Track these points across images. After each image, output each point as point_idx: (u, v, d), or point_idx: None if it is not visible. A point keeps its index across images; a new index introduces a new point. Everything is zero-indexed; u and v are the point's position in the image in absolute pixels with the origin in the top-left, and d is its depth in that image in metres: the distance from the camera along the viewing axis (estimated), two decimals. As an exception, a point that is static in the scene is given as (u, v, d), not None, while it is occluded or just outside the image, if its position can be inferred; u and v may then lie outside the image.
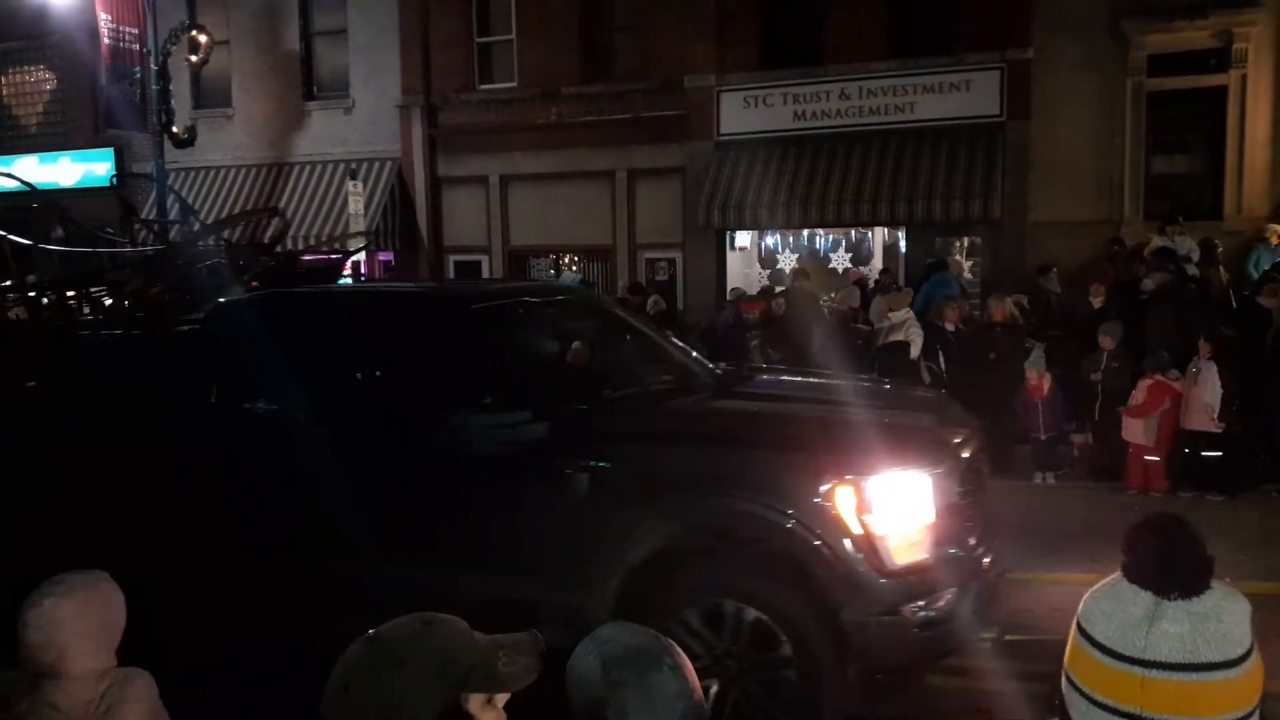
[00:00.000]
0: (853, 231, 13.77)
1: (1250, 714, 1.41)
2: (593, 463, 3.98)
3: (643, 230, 14.64)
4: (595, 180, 14.69)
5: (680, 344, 5.56)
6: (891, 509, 3.69)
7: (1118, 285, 9.35)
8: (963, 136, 12.39)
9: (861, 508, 3.64)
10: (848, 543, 3.65)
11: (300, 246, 12.87)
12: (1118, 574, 1.50)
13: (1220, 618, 1.41)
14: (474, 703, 1.42)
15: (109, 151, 16.90)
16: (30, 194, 8.57)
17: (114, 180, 14.25)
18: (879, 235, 13.75)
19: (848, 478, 3.67)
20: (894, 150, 12.58)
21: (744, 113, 13.58)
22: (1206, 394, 7.64)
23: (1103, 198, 12.12)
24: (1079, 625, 1.46)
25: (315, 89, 16.42)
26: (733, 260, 14.10)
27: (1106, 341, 8.34)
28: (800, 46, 13.22)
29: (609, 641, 1.65)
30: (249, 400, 4.61)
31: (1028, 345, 8.62)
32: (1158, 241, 10.10)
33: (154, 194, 14.40)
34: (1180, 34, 11.79)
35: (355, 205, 13.99)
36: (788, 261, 13.85)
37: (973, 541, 3.98)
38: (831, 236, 13.95)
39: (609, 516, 3.89)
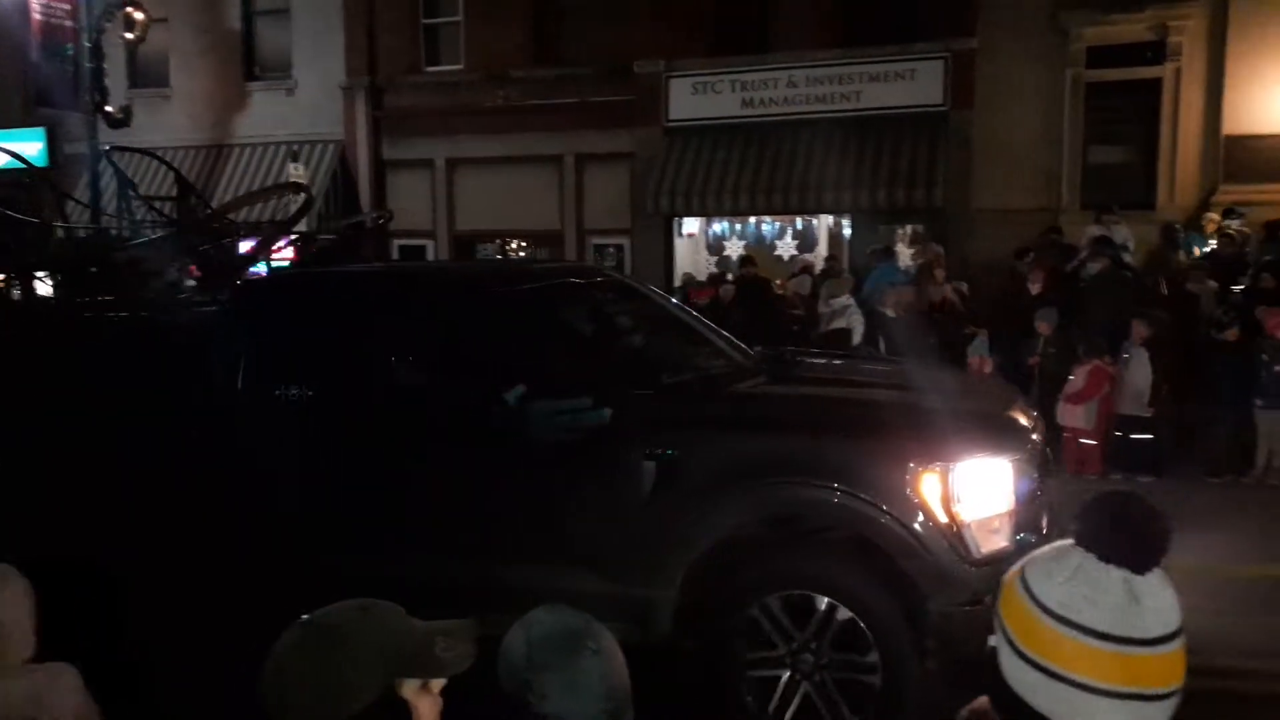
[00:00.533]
0: (800, 219, 13.86)
1: (1178, 691, 1.44)
2: (660, 450, 3.81)
3: (591, 216, 14.59)
4: (543, 165, 14.59)
5: (714, 327, 5.38)
6: (977, 496, 3.64)
7: (1056, 272, 9.53)
8: (908, 125, 12.52)
9: (948, 495, 3.58)
10: (935, 531, 3.57)
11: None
12: (1075, 558, 1.50)
13: (1154, 595, 1.44)
14: (409, 688, 1.42)
15: (40, 131, 16.35)
16: (24, 170, 8.11)
17: (46, 162, 13.80)
18: (825, 223, 13.86)
19: (935, 465, 3.59)
20: (840, 138, 12.66)
21: (693, 99, 13.58)
22: (1137, 379, 7.84)
23: (1042, 186, 12.35)
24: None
25: (257, 69, 16.08)
26: (681, 247, 14.12)
27: (1044, 327, 8.50)
28: (749, 34, 13.25)
29: (537, 624, 1.65)
30: (281, 387, 4.29)
31: (968, 331, 8.76)
32: (1094, 230, 10.32)
33: (90, 174, 14.00)
34: (1118, 27, 12.03)
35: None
36: (735, 248, 13.90)
37: (1044, 528, 3.93)
38: (779, 224, 14.02)
39: (679, 506, 3.76)
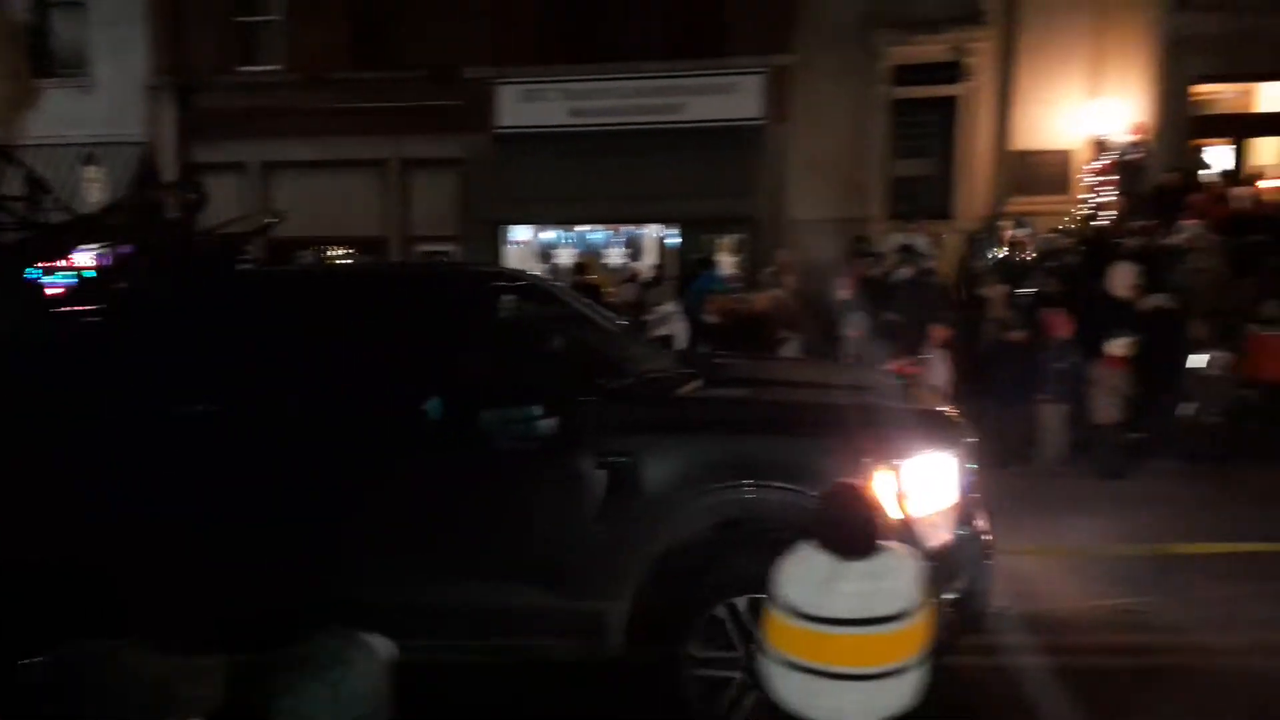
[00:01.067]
0: (629, 228, 14.05)
1: (913, 663, 1.52)
2: (612, 457, 3.73)
3: (417, 222, 14.30)
4: (367, 170, 14.21)
5: (635, 331, 5.22)
6: (925, 491, 3.72)
7: (864, 279, 10.02)
8: (729, 137, 12.90)
9: (900, 491, 3.64)
10: (889, 527, 3.65)
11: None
12: (804, 548, 1.57)
13: (890, 576, 1.50)
14: None
15: None
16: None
17: None
18: (653, 232, 14.10)
19: (888, 462, 3.65)
20: (665, 149, 12.91)
21: (522, 106, 13.55)
22: (937, 379, 8.33)
23: (854, 197, 12.99)
24: (771, 593, 1.51)
25: (50, 65, 14.91)
26: (510, 255, 14.04)
27: (852, 331, 8.93)
28: (577, 43, 13.33)
29: (292, 645, 1.63)
30: (186, 402, 3.97)
31: (780, 336, 9.08)
32: (899, 238, 10.94)
33: None
34: (921, 47, 12.82)
35: (92, 192, 12.82)
36: (565, 256, 13.94)
37: (980, 520, 4.06)
38: (608, 232, 14.16)
39: (633, 513, 3.71)
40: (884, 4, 12.83)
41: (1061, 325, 8.13)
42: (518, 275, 6.15)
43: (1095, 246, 10.21)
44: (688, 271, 12.03)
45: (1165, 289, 8.62)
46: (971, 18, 12.56)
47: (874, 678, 1.48)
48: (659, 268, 12.65)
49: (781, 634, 1.53)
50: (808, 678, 1.49)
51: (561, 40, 13.37)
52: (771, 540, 3.71)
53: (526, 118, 13.45)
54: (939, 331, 8.51)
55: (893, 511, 3.61)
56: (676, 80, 13.15)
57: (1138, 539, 6.08)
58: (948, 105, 12.96)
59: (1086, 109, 12.08)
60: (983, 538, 4.05)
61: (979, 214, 12.52)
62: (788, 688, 1.49)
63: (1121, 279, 8.61)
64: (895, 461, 3.66)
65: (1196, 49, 13.04)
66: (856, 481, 1.57)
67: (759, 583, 3.59)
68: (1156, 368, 7.83)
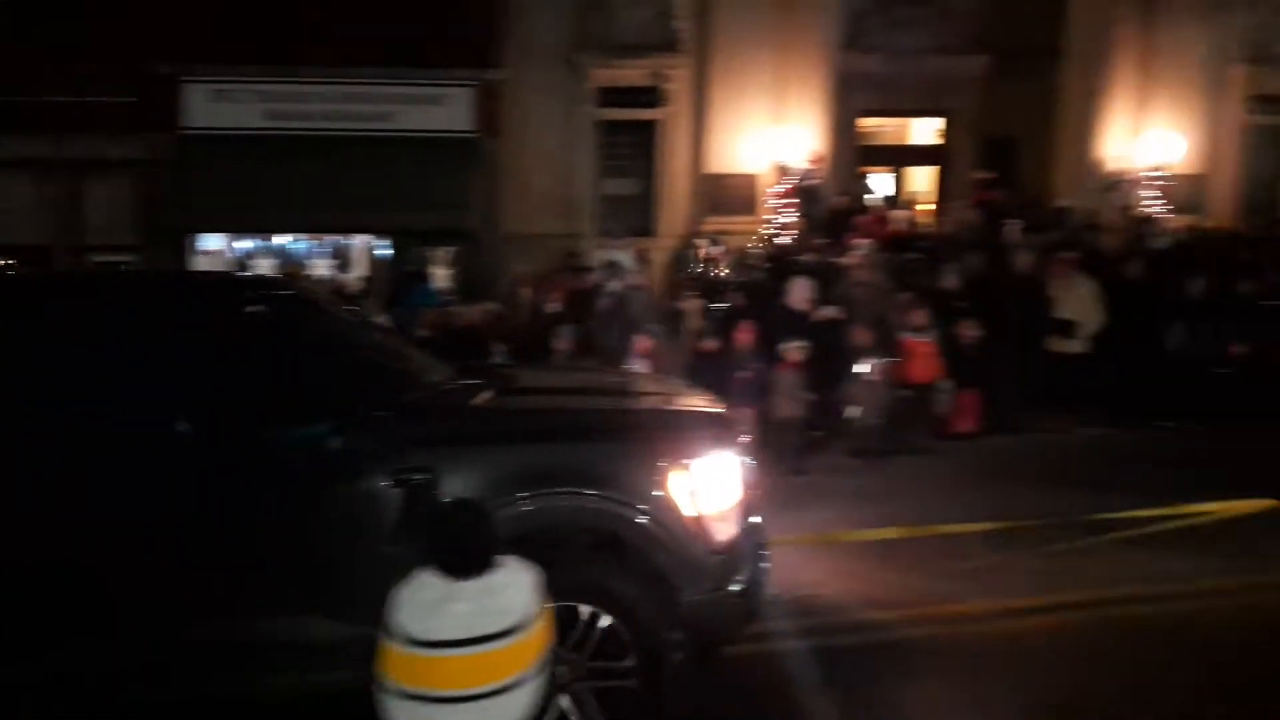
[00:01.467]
0: (335, 238, 13.51)
1: (528, 676, 1.55)
2: (408, 474, 3.56)
3: (90, 230, 12.90)
4: (25, 171, 12.63)
5: (408, 341, 5.00)
6: (715, 489, 3.86)
7: (574, 292, 10.31)
8: (441, 149, 12.77)
9: (693, 490, 3.78)
10: (684, 525, 3.77)
11: None
12: (419, 573, 1.54)
13: (502, 593, 1.52)
14: None
15: None
16: None
17: None
18: (362, 243, 13.66)
19: (681, 462, 3.77)
20: (374, 159, 12.55)
21: (212, 107, 12.65)
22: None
23: (564, 214, 13.33)
24: (385, 624, 1.47)
25: None
26: (200, 265, 13.03)
27: (561, 343, 9.14)
28: (274, 43, 12.61)
29: None
30: None
31: (492, 349, 9.13)
32: (605, 255, 11.36)
33: None
34: (623, 71, 13.40)
35: None
36: (265, 269, 13.16)
37: (757, 514, 4.25)
38: (313, 243, 13.54)
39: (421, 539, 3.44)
40: (589, 27, 13.30)
41: (746, 335, 8.80)
42: (281, 284, 5.91)
43: (778, 263, 11.16)
44: (399, 284, 11.78)
45: (835, 301, 9.59)
46: (668, 45, 13.31)
47: (485, 696, 1.52)
48: (368, 280, 12.27)
49: (394, 664, 1.52)
50: (420, 705, 1.49)
51: (256, 39, 12.59)
52: (577, 548, 3.81)
53: (216, 119, 12.58)
54: (643, 343, 8.92)
55: (686, 509, 3.78)
56: (385, 88, 12.86)
57: (825, 528, 6.61)
58: (650, 128, 13.63)
59: (771, 137, 13.16)
60: (760, 530, 4.32)
61: (679, 232, 13.26)
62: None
63: (799, 292, 9.47)
64: (687, 461, 3.81)
65: (861, 86, 14.63)
66: (468, 498, 1.60)
67: (559, 593, 3.56)
68: (828, 372, 8.68)
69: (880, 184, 16.20)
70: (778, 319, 9.20)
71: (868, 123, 15.90)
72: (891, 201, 14.84)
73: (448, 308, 10.50)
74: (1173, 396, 9.53)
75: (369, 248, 13.61)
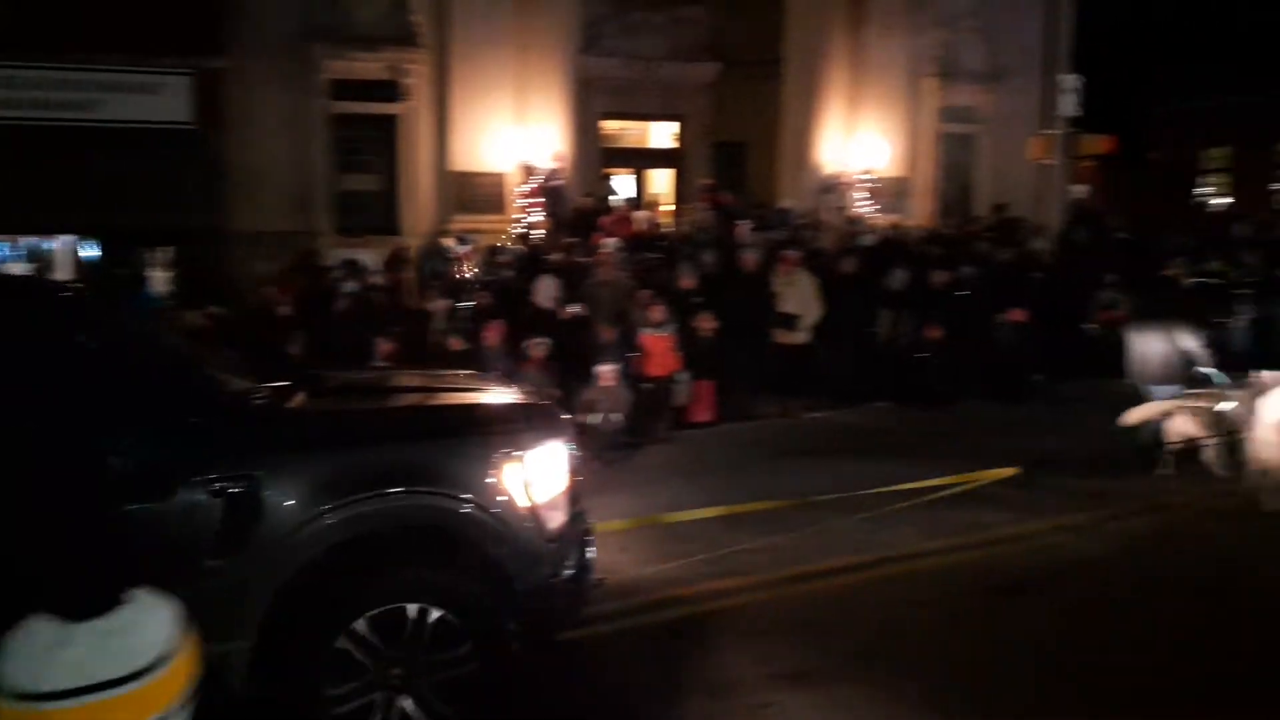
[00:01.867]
0: (31, 239, 12.14)
1: (171, 712, 1.43)
2: (230, 483, 3.40)
3: None
4: None
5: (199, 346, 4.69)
6: (547, 479, 3.92)
7: (308, 293, 9.87)
8: (156, 142, 11.80)
9: (526, 481, 3.83)
10: (519, 516, 3.81)
11: None
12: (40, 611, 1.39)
13: (131, 631, 1.36)
14: None
15: None
16: None
17: None
18: (65, 245, 12.35)
19: (515, 454, 3.81)
20: (81, 151, 11.38)
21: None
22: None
23: (300, 211, 12.70)
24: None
25: None
26: None
27: (294, 347, 8.73)
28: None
29: None
30: None
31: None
32: (342, 253, 10.95)
33: None
34: (358, 63, 12.94)
35: None
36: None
37: (581, 502, 4.35)
38: (3, 244, 12.09)
39: (254, 541, 3.42)
40: (320, 17, 12.73)
41: (494, 334, 8.80)
42: (66, 285, 5.51)
43: (527, 262, 11.23)
44: (110, 289, 10.77)
45: (580, 299, 9.79)
46: (406, 39, 13.00)
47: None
48: (78, 284, 11.09)
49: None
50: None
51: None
52: (404, 548, 3.74)
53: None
54: (384, 345, 8.69)
55: (521, 499, 3.82)
56: (93, 75, 11.70)
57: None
58: (390, 123, 13.26)
59: (515, 136, 13.20)
60: (584, 517, 4.42)
61: (424, 230, 13.01)
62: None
63: (544, 291, 9.59)
64: (520, 453, 3.84)
65: (602, 89, 15.02)
66: (99, 519, 1.46)
67: (380, 598, 3.64)
68: (572, 367, 8.85)
69: (623, 185, 16.70)
70: (525, 318, 9.27)
71: (610, 125, 16.35)
72: (634, 202, 15.32)
73: (167, 312, 9.75)
74: (884, 379, 10.53)
75: (73, 250, 12.33)
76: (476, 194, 13.06)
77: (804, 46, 14.95)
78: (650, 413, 9.14)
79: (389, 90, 13.16)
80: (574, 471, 4.16)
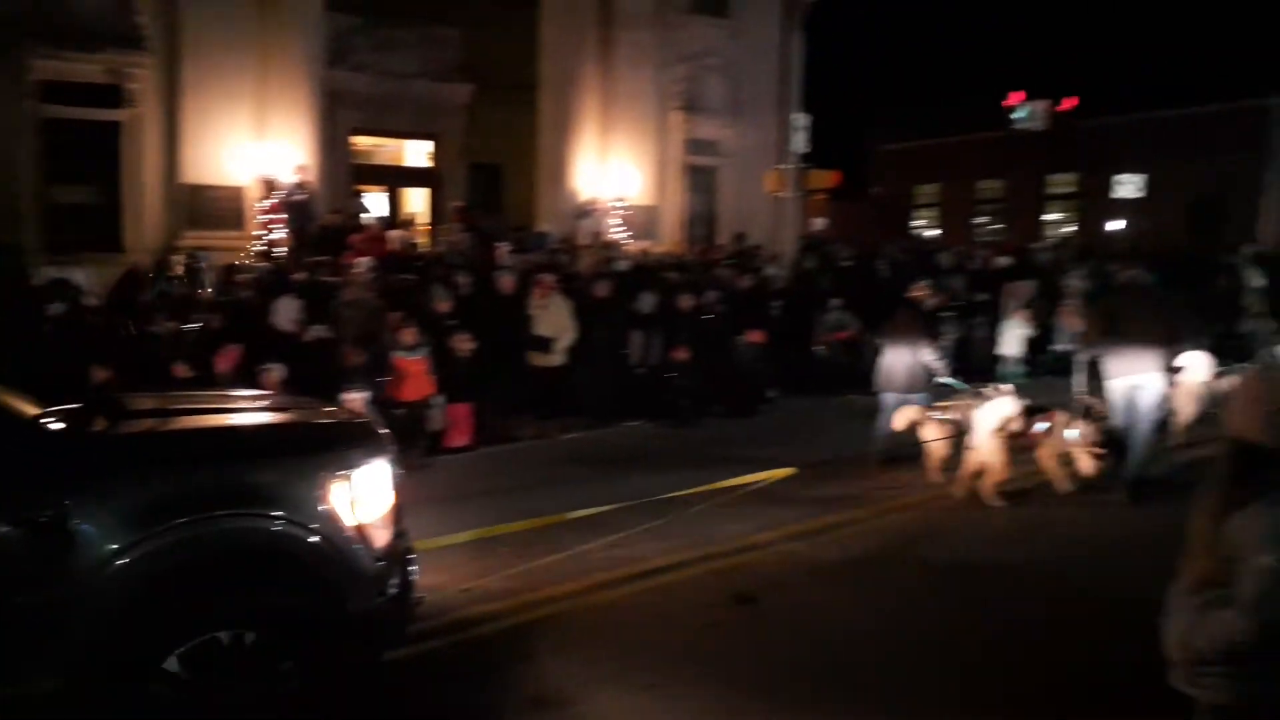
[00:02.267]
0: None
1: None
2: (33, 515, 3.18)
3: None
4: None
5: None
6: (373, 497, 3.87)
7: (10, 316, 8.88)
8: None
9: (353, 500, 3.78)
10: (348, 535, 3.75)
11: None
12: None
13: None
14: None
15: None
16: None
17: None
18: None
19: (341, 473, 3.75)
20: None
21: None
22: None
23: (4, 224, 11.39)
24: None
25: None
26: None
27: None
28: None
29: None
30: None
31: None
32: (53, 272, 9.95)
33: None
34: (74, 65, 11.86)
35: None
36: None
37: (403, 521, 4.25)
38: None
39: (62, 577, 3.22)
40: (29, 11, 11.53)
41: (228, 360, 8.29)
42: None
43: (268, 282, 10.66)
44: None
45: (326, 321, 9.42)
46: (130, 41, 12.05)
47: None
48: None
49: None
50: None
51: None
52: (217, 578, 3.53)
53: None
54: (99, 372, 7.96)
55: (349, 519, 3.76)
56: None
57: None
58: (109, 131, 12.20)
59: (256, 148, 12.53)
60: (406, 535, 4.35)
61: (154, 246, 12.05)
62: None
63: (285, 312, 9.15)
64: (346, 471, 3.78)
65: (351, 104, 14.60)
66: None
67: (194, 629, 3.43)
68: (315, 394, 8.47)
69: (377, 203, 16.28)
70: (263, 340, 8.80)
71: (362, 141, 15.91)
72: (388, 221, 14.97)
73: None
74: (636, 399, 10.89)
75: None
76: (211, 208, 12.28)
77: (557, 73, 15.27)
78: (405, 439, 8.93)
79: (110, 95, 12.11)
80: (397, 489, 4.08)
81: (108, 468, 3.47)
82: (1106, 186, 24.11)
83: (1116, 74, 27.50)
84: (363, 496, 3.82)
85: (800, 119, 15.19)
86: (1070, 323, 11.93)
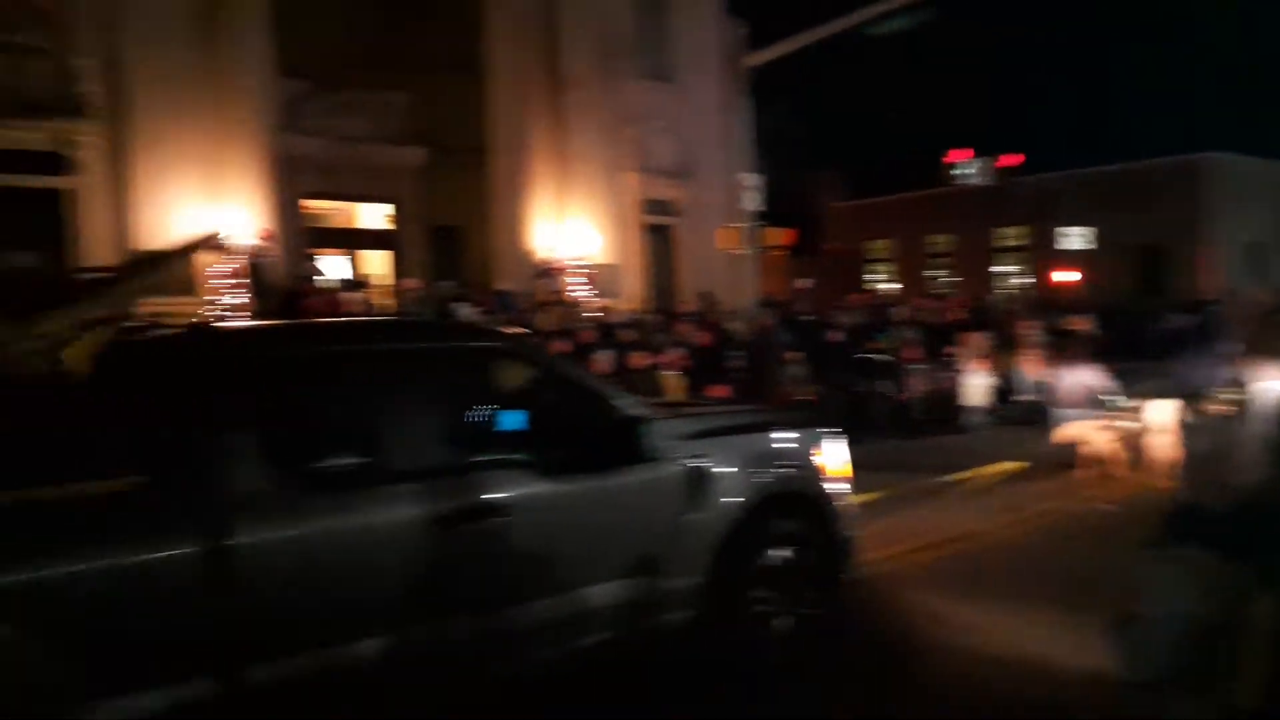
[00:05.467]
0: None
1: None
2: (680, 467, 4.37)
3: None
4: None
5: None
6: (838, 460, 5.15)
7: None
8: None
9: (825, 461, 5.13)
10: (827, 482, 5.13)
11: None
12: None
13: None
14: None
15: None
16: None
17: None
18: None
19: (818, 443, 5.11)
20: None
21: None
22: None
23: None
24: None
25: None
26: None
27: None
28: None
29: None
30: None
31: None
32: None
33: None
34: (15, 133, 11.65)
35: None
36: None
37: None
38: None
39: (704, 508, 4.40)
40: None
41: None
42: None
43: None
44: None
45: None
46: (73, 109, 11.89)
47: None
48: None
49: None
50: None
51: None
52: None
53: None
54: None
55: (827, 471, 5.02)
56: None
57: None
58: (55, 198, 11.98)
59: (208, 214, 12.36)
60: None
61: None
62: None
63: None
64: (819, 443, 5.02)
65: (304, 168, 14.52)
66: None
67: (764, 544, 4.60)
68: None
69: (336, 266, 16.12)
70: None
71: (316, 205, 15.81)
72: (350, 283, 14.80)
73: None
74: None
75: None
76: (165, 275, 12.04)
77: (508, 136, 15.36)
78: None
79: (54, 163, 11.92)
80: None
81: (719, 435, 4.66)
82: (1053, 239, 24.73)
83: (1058, 131, 28.41)
84: (833, 458, 5.08)
85: (750, 178, 15.33)
86: (1032, 371, 12.07)
